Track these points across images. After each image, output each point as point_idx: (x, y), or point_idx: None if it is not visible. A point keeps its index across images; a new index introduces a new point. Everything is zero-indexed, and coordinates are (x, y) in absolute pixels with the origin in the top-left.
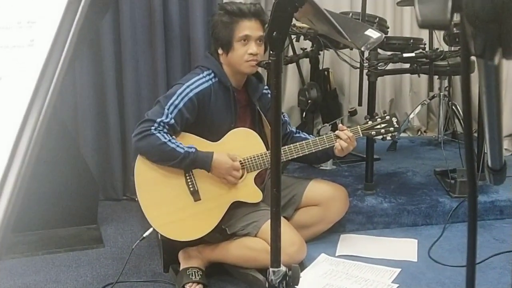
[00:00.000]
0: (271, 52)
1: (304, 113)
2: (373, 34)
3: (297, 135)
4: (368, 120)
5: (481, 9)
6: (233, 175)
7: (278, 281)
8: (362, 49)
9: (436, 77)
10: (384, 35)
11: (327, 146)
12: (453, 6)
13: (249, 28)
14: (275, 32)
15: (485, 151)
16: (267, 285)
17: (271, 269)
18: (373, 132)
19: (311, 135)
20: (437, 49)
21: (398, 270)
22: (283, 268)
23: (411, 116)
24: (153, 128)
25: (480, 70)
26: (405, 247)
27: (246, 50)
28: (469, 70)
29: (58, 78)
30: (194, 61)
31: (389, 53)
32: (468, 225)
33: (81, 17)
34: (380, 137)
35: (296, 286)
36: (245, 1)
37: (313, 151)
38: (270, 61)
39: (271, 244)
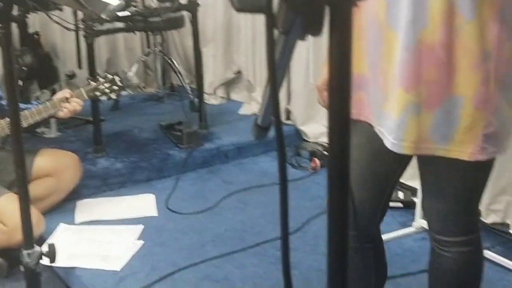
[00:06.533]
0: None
1: (22, 82)
2: (112, 0)
3: None
4: (90, 81)
5: None
6: None
7: (35, 262)
8: (104, 17)
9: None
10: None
11: (53, 112)
12: None
13: None
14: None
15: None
16: (23, 269)
17: (25, 252)
18: (98, 93)
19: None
20: (149, 6)
21: (141, 226)
22: (37, 248)
23: (130, 73)
24: None
25: (280, 43)
26: (144, 203)
27: None
28: (274, 47)
29: None
30: None
31: None
32: (280, 186)
33: None
34: (106, 97)
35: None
36: None
37: (39, 120)
38: None
39: (23, 226)
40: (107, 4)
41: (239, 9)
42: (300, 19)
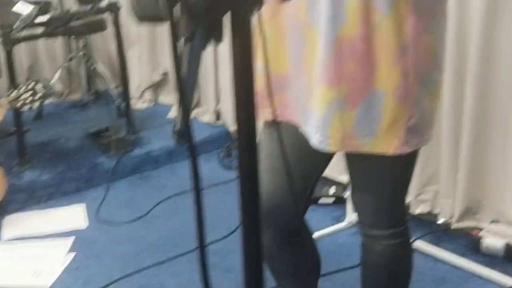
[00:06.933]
0: None
1: None
2: (24, 9)
3: None
4: (12, 91)
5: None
6: None
7: None
8: (17, 26)
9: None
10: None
11: None
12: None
13: None
14: None
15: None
16: None
17: None
18: (20, 103)
19: None
20: (69, 10)
21: (72, 238)
22: None
23: (52, 81)
24: None
25: (186, 51)
26: (73, 215)
27: None
28: (178, 53)
29: None
30: None
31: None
32: (194, 193)
33: None
34: (28, 106)
35: None
36: None
37: None
38: None
39: None
40: (20, 14)
41: (141, 18)
42: (200, 29)
